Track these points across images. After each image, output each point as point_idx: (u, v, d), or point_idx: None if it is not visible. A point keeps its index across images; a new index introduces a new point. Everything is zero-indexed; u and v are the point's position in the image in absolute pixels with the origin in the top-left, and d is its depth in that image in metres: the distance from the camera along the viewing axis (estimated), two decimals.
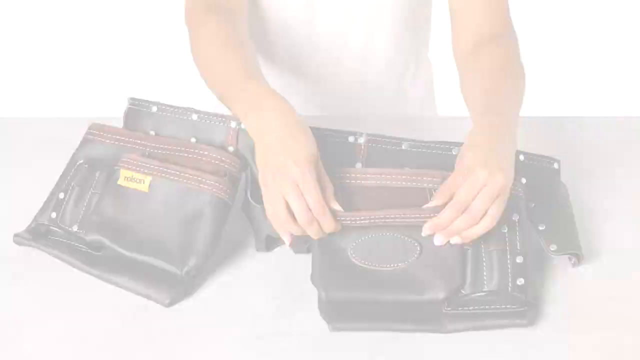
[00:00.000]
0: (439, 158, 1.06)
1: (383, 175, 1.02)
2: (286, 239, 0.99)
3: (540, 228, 1.02)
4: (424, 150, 1.07)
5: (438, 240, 0.97)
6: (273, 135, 0.97)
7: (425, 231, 0.97)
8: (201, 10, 1.16)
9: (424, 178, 1.02)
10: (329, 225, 0.97)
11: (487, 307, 0.95)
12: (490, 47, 1.17)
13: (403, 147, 1.07)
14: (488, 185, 0.94)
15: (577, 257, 1.02)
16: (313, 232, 0.97)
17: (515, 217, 1.00)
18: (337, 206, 0.98)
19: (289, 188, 0.95)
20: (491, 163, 0.95)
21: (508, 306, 0.95)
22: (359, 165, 1.07)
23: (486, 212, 0.95)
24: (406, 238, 0.98)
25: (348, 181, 1.02)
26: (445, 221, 0.96)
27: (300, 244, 1.03)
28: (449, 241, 0.97)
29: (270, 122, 0.98)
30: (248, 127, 1.01)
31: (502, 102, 1.06)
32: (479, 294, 0.95)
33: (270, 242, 1.05)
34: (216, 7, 1.15)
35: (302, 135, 0.97)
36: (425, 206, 0.99)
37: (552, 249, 1.01)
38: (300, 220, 0.96)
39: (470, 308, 0.95)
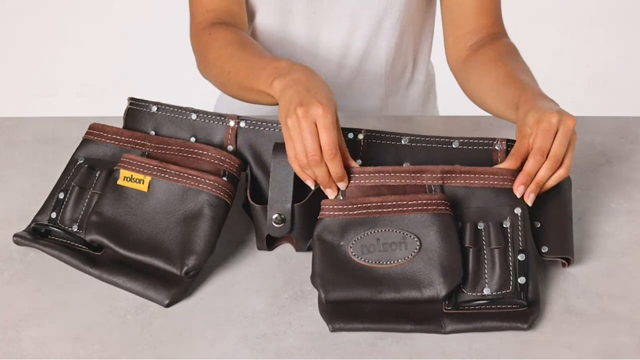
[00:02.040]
0: (440, 152, 1.06)
1: (382, 174, 1.02)
2: (310, 183, 1.01)
3: (537, 225, 1.02)
4: (424, 144, 1.07)
5: (520, 192, 1.00)
6: (300, 85, 1.00)
7: (519, 190, 1.00)
8: (207, 27, 1.19)
9: (424, 175, 1.01)
10: (337, 169, 0.98)
11: (487, 307, 0.95)
12: (485, 46, 1.20)
13: (402, 142, 1.07)
14: (561, 128, 0.99)
15: (567, 261, 1.02)
16: (321, 174, 0.98)
17: (518, 211, 1.00)
18: (353, 163, 1.01)
19: (307, 125, 0.96)
20: (557, 110, 1.01)
21: (509, 307, 0.95)
22: (358, 161, 1.06)
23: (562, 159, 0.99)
24: (406, 233, 0.98)
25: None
26: (532, 170, 0.99)
27: (302, 241, 1.04)
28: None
29: (299, 77, 1.01)
30: (273, 90, 1.03)
31: (529, 78, 1.11)
32: (479, 295, 0.96)
33: (271, 241, 1.06)
34: (221, 24, 1.19)
35: (327, 89, 1.00)
36: (497, 166, 1.02)
37: (543, 251, 1.00)
38: (311, 159, 0.97)
39: (471, 308, 0.95)
